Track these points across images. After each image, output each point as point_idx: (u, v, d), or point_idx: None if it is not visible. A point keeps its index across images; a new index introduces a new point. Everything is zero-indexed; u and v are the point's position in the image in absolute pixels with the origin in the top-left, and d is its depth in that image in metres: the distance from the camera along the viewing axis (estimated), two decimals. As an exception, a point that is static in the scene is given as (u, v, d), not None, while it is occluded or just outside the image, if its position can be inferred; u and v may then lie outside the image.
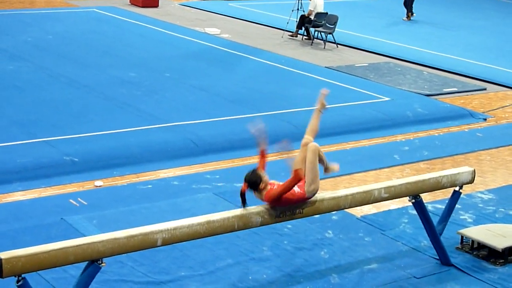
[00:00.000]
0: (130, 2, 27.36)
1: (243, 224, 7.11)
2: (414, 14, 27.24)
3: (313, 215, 7.82)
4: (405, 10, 27.30)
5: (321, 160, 7.79)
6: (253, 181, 7.33)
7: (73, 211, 9.70)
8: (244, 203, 7.20)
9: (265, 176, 7.45)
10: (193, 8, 27.47)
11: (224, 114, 14.07)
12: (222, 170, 11.65)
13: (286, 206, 7.34)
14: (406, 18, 27.26)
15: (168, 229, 6.64)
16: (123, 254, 6.82)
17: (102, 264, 6.40)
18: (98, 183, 10.78)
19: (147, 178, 11.16)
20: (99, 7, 25.88)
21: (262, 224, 7.27)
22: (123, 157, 11.73)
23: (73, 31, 21.54)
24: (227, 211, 7.15)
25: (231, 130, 13.20)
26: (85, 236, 7.38)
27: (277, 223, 7.82)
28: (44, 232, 8.90)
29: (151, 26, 22.96)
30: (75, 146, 11.89)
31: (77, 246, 6.20)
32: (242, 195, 7.24)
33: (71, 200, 10.06)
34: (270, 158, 12.22)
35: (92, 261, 6.37)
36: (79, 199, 10.12)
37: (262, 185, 7.34)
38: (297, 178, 7.29)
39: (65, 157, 11.42)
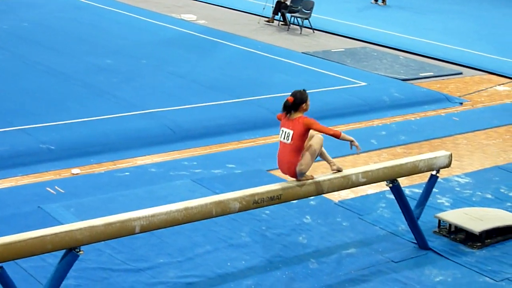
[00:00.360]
0: (106, -12, 27.22)
1: (221, 210, 7.10)
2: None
3: (290, 200, 7.83)
4: None
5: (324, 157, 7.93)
6: (301, 98, 7.57)
7: (50, 199, 9.66)
8: (289, 113, 7.54)
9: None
10: (169, -5, 27.39)
11: (201, 100, 14.05)
12: (200, 156, 11.63)
13: (299, 144, 7.50)
14: (374, 2, 27.37)
15: (146, 216, 6.63)
16: (101, 242, 6.82)
17: (80, 252, 6.39)
18: (75, 171, 10.74)
19: (125, 165, 11.13)
20: (74, -6, 25.75)
21: (240, 210, 7.27)
22: (100, 144, 11.69)
23: (49, 19, 21.42)
24: (204, 198, 7.14)
25: (209, 116, 13.18)
26: (62, 224, 7.35)
27: (255, 209, 7.83)
28: (21, 221, 8.85)
29: (127, 13, 22.87)
30: (52, 134, 11.83)
31: (54, 234, 6.18)
32: (287, 107, 7.55)
33: (48, 188, 10.02)
34: (269, 140, 12.25)
35: (70, 249, 6.35)
36: (56, 187, 10.08)
37: (305, 106, 7.59)
38: (336, 134, 7.64)
39: (41, 145, 11.37)
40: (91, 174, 10.70)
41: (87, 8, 23.41)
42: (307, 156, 7.59)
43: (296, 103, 7.53)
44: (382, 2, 27.24)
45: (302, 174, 7.61)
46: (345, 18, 23.94)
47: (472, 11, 27.11)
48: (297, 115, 7.54)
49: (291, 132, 7.50)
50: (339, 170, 7.97)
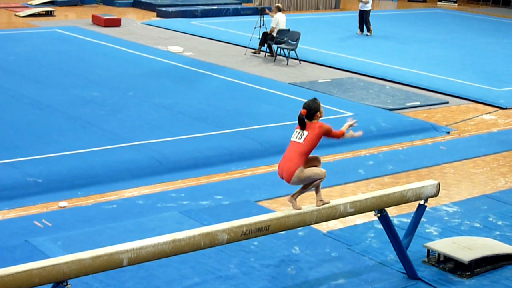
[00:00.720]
0: (92, 22, 27.29)
1: (209, 242, 7.07)
2: (369, 33, 27.48)
3: (279, 231, 7.80)
4: (359, 25, 27.64)
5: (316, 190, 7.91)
6: (313, 108, 7.74)
7: (38, 232, 9.61)
8: (304, 128, 7.66)
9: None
10: (155, 27, 27.45)
11: (188, 132, 14.04)
12: (187, 188, 11.60)
13: (309, 146, 7.66)
14: (359, 32, 27.57)
15: (133, 249, 6.59)
16: (89, 275, 6.76)
17: (67, 286, 6.33)
18: (63, 203, 10.69)
19: (112, 198, 11.09)
20: (61, 27, 25.80)
21: (228, 242, 7.24)
22: (88, 177, 11.65)
23: (36, 52, 21.43)
24: (192, 229, 7.11)
25: (196, 148, 13.17)
26: (49, 257, 7.30)
27: (244, 240, 7.79)
28: (8, 255, 8.79)
29: (113, 45, 22.90)
30: (39, 167, 11.79)
31: (41, 268, 6.13)
32: (301, 120, 7.65)
33: (35, 222, 9.96)
34: (257, 171, 12.23)
35: (57, 283, 6.30)
36: (43, 220, 10.02)
37: (319, 114, 7.75)
38: (339, 134, 7.93)
39: (28, 178, 11.32)
40: (78, 207, 10.65)
41: (73, 41, 23.43)
42: (311, 171, 7.64)
43: (310, 113, 7.70)
44: (368, 32, 27.39)
45: (295, 181, 7.57)
46: (331, 49, 24.05)
47: (456, 41, 27.27)
48: (316, 121, 7.71)
49: (306, 133, 7.61)
50: (325, 203, 7.93)
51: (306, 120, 7.69)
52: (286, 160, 7.70)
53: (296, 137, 7.69)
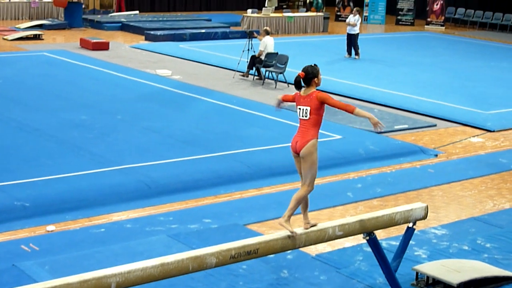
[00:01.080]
0: (80, 45, 27.31)
1: (198, 266, 7.04)
2: (357, 56, 27.59)
3: (268, 254, 7.78)
4: (347, 48, 27.78)
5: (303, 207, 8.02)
6: (312, 72, 7.92)
7: (25, 257, 9.55)
8: (300, 88, 7.90)
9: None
10: (143, 50, 27.49)
11: (176, 155, 14.03)
12: (176, 211, 11.58)
13: (317, 117, 7.90)
14: (347, 55, 27.70)
15: (121, 273, 6.56)
16: (76, 300, 6.73)
17: (55, 310, 6.30)
18: (50, 227, 10.65)
19: (100, 221, 11.05)
20: (49, 51, 25.80)
21: (216, 265, 7.22)
22: (75, 201, 11.61)
23: (23, 75, 21.41)
24: (181, 253, 7.08)
25: (184, 171, 13.15)
26: (37, 282, 7.25)
27: (232, 264, 7.77)
28: (-5, 279, 8.75)
29: (102, 69, 22.91)
30: (27, 191, 11.75)
31: (29, 292, 6.10)
32: (298, 82, 7.89)
33: (22, 246, 9.92)
34: (245, 194, 12.21)
35: (45, 308, 6.26)
36: (30, 244, 9.98)
37: (317, 80, 7.96)
38: (350, 109, 8.00)
39: (16, 202, 11.27)
40: (66, 231, 10.61)
41: (61, 65, 23.43)
42: (315, 165, 7.91)
43: (308, 77, 7.84)
44: (356, 56, 27.50)
45: (306, 152, 7.84)
46: (319, 72, 24.08)
47: (444, 64, 27.40)
48: (310, 90, 7.84)
49: (309, 108, 7.78)
50: (313, 225, 7.93)
51: (303, 84, 7.85)
52: (301, 133, 7.93)
53: (302, 115, 7.90)
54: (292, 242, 7.69)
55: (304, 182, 7.92)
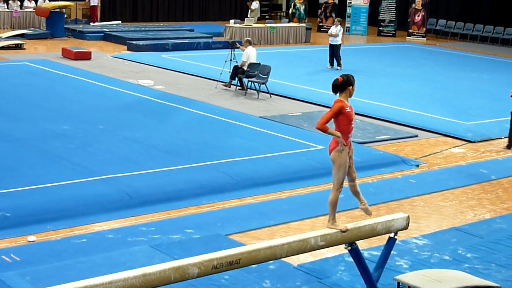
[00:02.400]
0: (62, 55, 27.25)
1: (180, 276, 7.04)
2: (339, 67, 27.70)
3: (250, 265, 7.79)
4: (329, 59, 27.90)
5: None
6: (349, 81, 8.25)
7: (6, 267, 9.51)
8: (336, 92, 8.30)
9: None
10: (126, 60, 27.46)
11: (159, 165, 14.01)
12: (158, 222, 11.56)
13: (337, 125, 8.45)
14: (330, 66, 27.80)
15: (103, 284, 6.54)
16: (58, 310, 6.70)
17: (36, 320, 6.29)
18: (31, 238, 10.61)
19: (82, 232, 11.02)
20: (31, 61, 25.73)
21: (199, 276, 7.21)
22: (57, 211, 11.57)
23: (5, 85, 21.34)
24: (163, 263, 7.08)
25: (167, 181, 13.14)
26: (18, 292, 7.23)
27: (214, 274, 7.77)
28: (-24, 290, 8.71)
29: (84, 79, 22.86)
30: (8, 201, 11.70)
31: (10, 303, 6.08)
32: (336, 86, 8.26)
33: (3, 256, 9.87)
34: (228, 204, 12.21)
35: (26, 318, 6.24)
36: (11, 255, 9.93)
37: (351, 89, 8.33)
38: (323, 127, 8.48)
39: (-3, 212, 11.23)
40: (47, 241, 10.57)
41: (43, 75, 23.36)
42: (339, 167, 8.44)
43: (343, 83, 8.18)
44: (338, 67, 27.57)
45: (332, 158, 8.50)
46: (301, 83, 24.17)
47: (425, 75, 27.52)
48: (341, 97, 8.27)
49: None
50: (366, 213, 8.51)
51: (338, 90, 8.24)
52: (332, 140, 8.49)
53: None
54: (274, 252, 7.70)
55: (333, 185, 8.42)
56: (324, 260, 10.28)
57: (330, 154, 8.32)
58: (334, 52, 27.66)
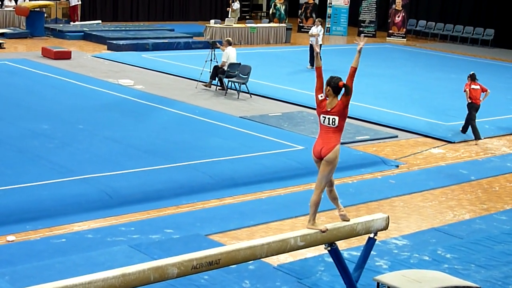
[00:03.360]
0: (42, 54, 27.12)
1: (159, 276, 7.02)
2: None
3: (229, 265, 7.78)
4: (309, 59, 28.06)
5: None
6: (349, 89, 8.20)
7: (-16, 267, 9.47)
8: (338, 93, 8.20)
9: None
10: (106, 60, 27.37)
11: (138, 165, 13.98)
12: (137, 222, 11.54)
13: (342, 124, 8.18)
14: (310, 67, 27.88)
15: (82, 284, 6.52)
16: (37, 310, 6.67)
17: (15, 321, 6.25)
18: (10, 238, 10.56)
19: (61, 231, 10.98)
20: (10, 60, 25.58)
21: (178, 276, 7.19)
22: (36, 211, 11.52)
23: (-16, 84, 21.22)
24: (142, 263, 7.05)
25: (146, 181, 13.11)
26: (-4, 293, 7.19)
27: (194, 274, 7.75)
28: (-46, 290, 8.65)
29: (63, 78, 22.76)
30: (-14, 201, 11.64)
31: (-12, 303, 6.04)
32: (337, 88, 8.18)
33: (-18, 256, 9.83)
34: (208, 204, 12.19)
35: (4, 319, 6.21)
36: (-10, 255, 9.89)
37: (348, 97, 8.19)
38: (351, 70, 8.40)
39: (-25, 212, 11.17)
40: (26, 241, 10.52)
41: (23, 74, 23.24)
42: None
43: (343, 90, 8.18)
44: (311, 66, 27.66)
45: (332, 157, 8.23)
46: (282, 83, 24.19)
47: (405, 76, 27.63)
48: (336, 102, 8.15)
49: (337, 118, 8.09)
50: (344, 219, 8.45)
51: (335, 93, 8.18)
52: (325, 140, 8.18)
53: (330, 123, 8.12)
54: (254, 253, 7.69)
55: (317, 185, 8.39)
56: (303, 261, 10.29)
57: (328, 154, 8.17)
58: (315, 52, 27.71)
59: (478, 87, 18.42)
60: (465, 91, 18.33)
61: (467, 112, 18.30)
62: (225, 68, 22.20)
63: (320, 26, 27.79)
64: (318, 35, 27.09)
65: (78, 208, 11.82)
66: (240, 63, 22.33)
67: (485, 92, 18.54)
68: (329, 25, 40.65)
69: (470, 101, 18.19)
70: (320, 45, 27.45)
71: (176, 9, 42.70)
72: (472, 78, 18.55)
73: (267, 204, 12.79)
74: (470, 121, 18.24)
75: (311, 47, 27.75)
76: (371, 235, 8.78)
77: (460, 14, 40.95)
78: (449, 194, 13.99)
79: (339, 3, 40.42)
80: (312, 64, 27.84)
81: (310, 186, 13.81)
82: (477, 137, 18.06)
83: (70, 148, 14.99)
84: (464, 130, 18.57)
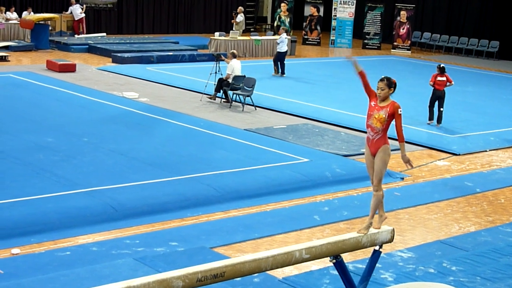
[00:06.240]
0: (47, 67, 27.16)
1: (164, 289, 7.01)
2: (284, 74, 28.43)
3: (234, 278, 7.76)
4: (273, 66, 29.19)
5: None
6: (394, 83, 9.00)
7: (-11, 280, 9.46)
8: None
9: None
10: (110, 73, 27.40)
11: (143, 178, 13.97)
12: (142, 234, 11.52)
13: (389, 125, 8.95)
14: (275, 73, 28.30)
15: (87, 297, 6.51)
16: (41, 324, 6.66)
17: (19, 334, 6.24)
18: (15, 250, 10.54)
19: (66, 244, 10.96)
20: (15, 73, 25.62)
21: (183, 289, 7.18)
22: (41, 223, 11.51)
23: (-11, 97, 21.25)
24: (147, 276, 7.04)
25: (151, 194, 13.10)
26: (1, 306, 7.18)
27: (199, 287, 7.73)
28: (-42, 303, 8.64)
29: (68, 91, 22.79)
30: (-9, 214, 11.64)
31: (-8, 316, 6.03)
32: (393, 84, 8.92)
33: (-14, 269, 9.82)
34: (212, 217, 12.17)
35: (8, 332, 6.20)
36: (-5, 268, 9.88)
37: (392, 91, 8.99)
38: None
39: (-20, 225, 11.16)
40: (31, 254, 10.51)
41: (27, 87, 23.27)
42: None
43: (391, 86, 9.25)
44: (282, 74, 28.12)
45: (382, 150, 9.34)
46: (286, 95, 24.18)
47: (409, 88, 27.57)
48: (389, 101, 9.13)
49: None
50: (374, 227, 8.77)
51: (384, 89, 9.08)
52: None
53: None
54: (259, 265, 7.68)
55: (379, 181, 9.12)
56: (309, 273, 10.26)
57: (379, 148, 9.29)
58: (280, 59, 28.57)
59: (444, 78, 20.67)
60: (430, 84, 20.93)
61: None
62: (230, 80, 22.21)
63: (284, 34, 29.53)
64: (278, 43, 27.92)
65: (82, 221, 11.81)
66: (244, 76, 22.34)
67: (449, 83, 20.72)
68: (334, 38, 40.68)
69: (433, 87, 20.72)
70: (285, 52, 28.36)
71: (180, 22, 42.76)
72: (441, 70, 20.75)
73: (272, 216, 12.77)
74: (429, 106, 20.99)
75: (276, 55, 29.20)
76: (376, 248, 8.77)
77: (465, 26, 40.97)
78: (454, 207, 13.95)
79: (344, 15, 40.47)
80: (277, 71, 28.78)
81: (314, 199, 13.79)
82: (430, 118, 20.91)
83: (75, 160, 14.99)
84: (430, 118, 20.99)
